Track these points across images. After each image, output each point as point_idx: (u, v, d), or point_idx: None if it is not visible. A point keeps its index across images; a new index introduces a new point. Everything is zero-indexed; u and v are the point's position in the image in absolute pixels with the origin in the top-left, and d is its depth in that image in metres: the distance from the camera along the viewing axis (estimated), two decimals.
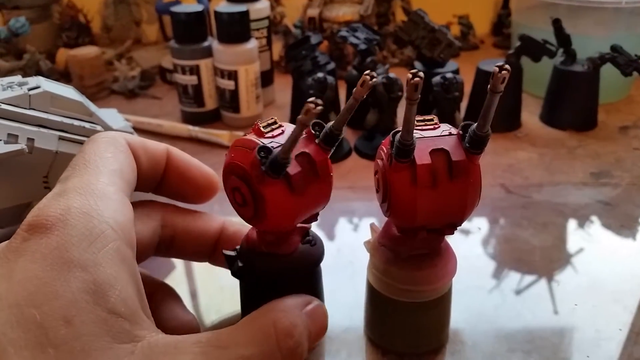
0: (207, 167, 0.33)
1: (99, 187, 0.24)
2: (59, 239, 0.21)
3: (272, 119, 0.27)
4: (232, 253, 0.30)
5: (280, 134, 0.27)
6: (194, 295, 0.39)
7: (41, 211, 0.22)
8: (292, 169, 0.26)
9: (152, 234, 0.31)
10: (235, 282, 0.31)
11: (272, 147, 0.26)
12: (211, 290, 0.40)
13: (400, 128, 0.26)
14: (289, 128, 0.27)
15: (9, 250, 0.22)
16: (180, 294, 0.34)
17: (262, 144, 0.26)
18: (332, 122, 0.27)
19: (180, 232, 0.32)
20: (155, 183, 0.31)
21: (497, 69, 0.23)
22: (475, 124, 0.26)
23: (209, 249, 0.34)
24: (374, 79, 0.24)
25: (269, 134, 0.27)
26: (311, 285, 0.31)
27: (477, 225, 0.46)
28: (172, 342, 0.22)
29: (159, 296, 0.33)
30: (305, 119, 0.23)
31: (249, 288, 0.32)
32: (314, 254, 0.30)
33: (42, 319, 0.19)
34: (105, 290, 0.21)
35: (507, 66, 0.23)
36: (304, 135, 0.27)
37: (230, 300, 0.38)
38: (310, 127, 0.27)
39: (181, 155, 0.32)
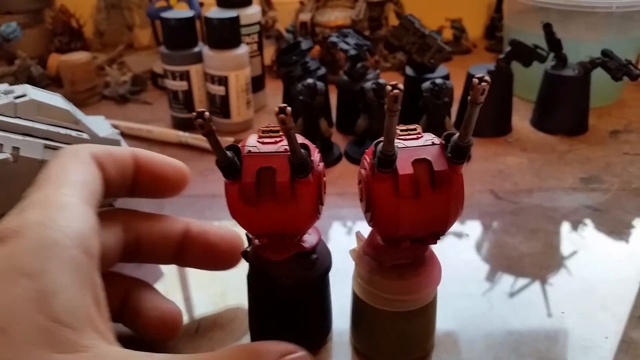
0: (175, 160, 0.33)
1: (57, 199, 0.24)
2: (11, 249, 0.21)
3: (278, 127, 0.28)
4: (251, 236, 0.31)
5: (269, 142, 0.28)
6: (187, 299, 0.39)
7: (1, 224, 0.23)
8: (245, 177, 0.26)
9: (116, 240, 0.31)
10: (228, 283, 0.32)
11: (247, 150, 0.27)
12: (203, 283, 0.40)
13: (382, 138, 0.26)
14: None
15: None
16: (172, 287, 0.34)
17: (243, 145, 0.27)
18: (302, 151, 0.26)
19: (144, 236, 0.33)
20: (127, 187, 0.32)
21: (476, 80, 0.23)
22: (457, 134, 0.26)
23: (174, 250, 0.34)
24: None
25: (261, 139, 0.28)
26: (298, 301, 0.32)
27: (465, 232, 0.46)
28: (123, 355, 0.21)
29: (135, 292, 0.33)
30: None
31: (249, 289, 0.33)
32: (293, 273, 0.31)
33: None
34: (49, 298, 0.20)
35: (486, 78, 0.23)
36: (287, 154, 0.26)
37: (222, 293, 0.38)
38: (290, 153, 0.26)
39: (148, 155, 0.32)
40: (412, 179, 0.26)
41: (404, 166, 0.27)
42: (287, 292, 0.31)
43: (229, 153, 0.26)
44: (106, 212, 0.32)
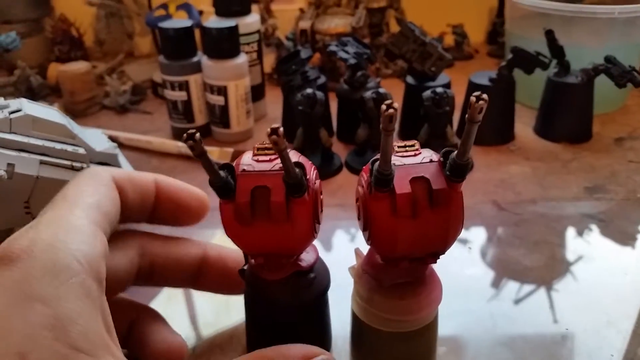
0: (196, 189, 0.33)
1: (70, 220, 0.24)
2: (23, 272, 0.21)
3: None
4: None
5: (265, 161, 0.27)
6: (190, 307, 0.39)
7: (9, 243, 0.22)
8: (240, 196, 0.26)
9: (130, 263, 0.31)
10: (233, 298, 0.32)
11: (242, 170, 0.26)
12: (209, 306, 0.39)
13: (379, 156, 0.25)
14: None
15: None
16: (176, 296, 0.33)
17: (237, 164, 0.27)
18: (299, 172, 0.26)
19: (160, 259, 0.32)
20: (147, 213, 0.31)
21: (474, 98, 0.22)
22: (456, 152, 0.25)
23: (191, 275, 0.33)
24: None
25: (256, 157, 0.27)
26: (298, 319, 0.31)
27: (467, 245, 0.45)
28: None
29: (143, 321, 0.32)
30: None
31: (246, 307, 0.32)
32: (292, 292, 0.30)
33: None
34: (66, 325, 0.20)
35: (484, 96, 0.22)
36: (282, 172, 0.26)
37: (226, 304, 0.38)
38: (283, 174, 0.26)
39: (170, 182, 0.32)
40: (409, 198, 0.26)
41: (401, 185, 0.26)
42: (285, 312, 0.31)
43: (222, 173, 0.26)
44: (121, 234, 0.32)
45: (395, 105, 0.22)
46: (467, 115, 0.23)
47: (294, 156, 0.27)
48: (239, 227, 0.26)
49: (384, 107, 0.22)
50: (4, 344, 0.19)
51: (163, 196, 0.31)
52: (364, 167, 0.28)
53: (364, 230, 0.29)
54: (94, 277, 0.23)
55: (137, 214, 0.30)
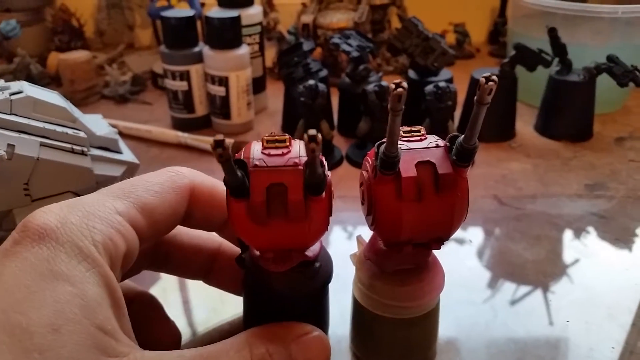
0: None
1: (105, 211, 0.24)
2: (50, 251, 0.21)
3: (284, 136, 0.25)
4: None
5: (277, 155, 0.25)
6: (185, 301, 0.38)
7: (39, 216, 0.22)
8: (255, 195, 0.24)
9: (146, 248, 0.30)
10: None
11: (253, 164, 0.24)
12: (204, 296, 0.39)
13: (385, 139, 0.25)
14: (294, 151, 0.25)
15: (0, 251, 0.22)
16: (172, 293, 0.33)
17: (248, 158, 0.24)
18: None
19: (175, 249, 0.32)
20: (214, 228, 0.31)
21: (483, 80, 0.22)
22: (463, 136, 0.25)
23: (204, 267, 0.33)
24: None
25: (267, 151, 0.25)
26: (300, 309, 0.30)
27: (468, 238, 0.45)
28: (157, 356, 0.22)
29: (140, 305, 0.32)
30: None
31: (245, 293, 0.31)
32: (297, 284, 0.28)
33: (28, 324, 0.19)
34: (93, 307, 0.21)
35: (494, 77, 0.22)
36: (297, 168, 0.24)
37: (220, 298, 0.37)
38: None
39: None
40: (415, 182, 0.26)
41: (407, 168, 0.26)
42: (289, 302, 0.29)
43: (239, 172, 0.24)
44: None
45: (404, 84, 0.22)
46: (475, 97, 0.23)
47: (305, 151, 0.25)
48: (252, 225, 0.25)
49: (392, 85, 0.21)
50: (38, 315, 0.19)
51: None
52: (368, 152, 0.28)
53: (367, 214, 0.28)
54: (111, 266, 0.23)
55: (201, 225, 0.30)
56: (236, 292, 0.34)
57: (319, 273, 0.29)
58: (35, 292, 0.20)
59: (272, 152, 0.25)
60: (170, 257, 0.32)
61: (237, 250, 0.32)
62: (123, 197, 0.25)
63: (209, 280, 0.34)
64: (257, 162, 0.24)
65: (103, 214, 0.24)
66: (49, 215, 0.22)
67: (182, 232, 0.32)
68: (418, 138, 0.27)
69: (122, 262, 0.24)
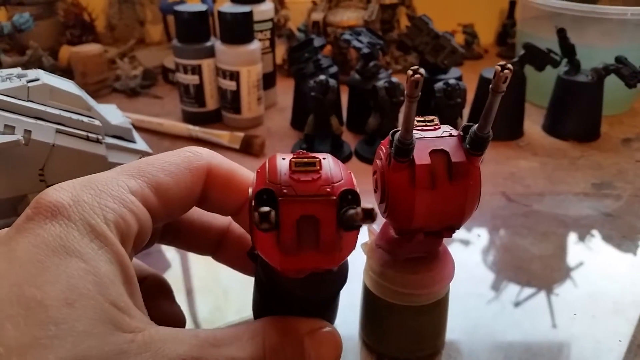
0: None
1: (118, 190, 0.24)
2: (63, 228, 0.21)
3: (315, 158, 0.23)
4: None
5: (306, 181, 0.22)
6: (190, 298, 0.39)
7: (52, 193, 0.22)
8: (285, 230, 0.22)
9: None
10: (233, 281, 0.31)
11: (282, 193, 0.22)
12: (207, 286, 0.39)
13: (400, 127, 0.25)
14: (324, 177, 0.23)
15: (13, 227, 0.22)
16: (176, 290, 0.33)
17: (275, 183, 0.22)
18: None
19: (186, 223, 0.32)
20: (230, 212, 0.29)
21: (499, 68, 0.22)
22: (476, 125, 0.25)
23: (214, 244, 0.33)
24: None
25: (296, 175, 0.22)
26: (313, 309, 0.30)
27: (476, 233, 0.46)
28: (172, 333, 0.22)
29: (147, 285, 0.32)
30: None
31: (256, 284, 0.31)
32: (317, 289, 0.27)
33: (42, 298, 0.19)
34: (106, 283, 0.21)
35: (509, 65, 0.22)
36: (330, 199, 0.22)
37: (225, 297, 0.38)
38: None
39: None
40: (429, 170, 0.26)
41: (421, 156, 0.26)
42: (303, 303, 0.28)
43: (267, 210, 0.21)
44: None
45: (422, 70, 0.22)
46: (490, 86, 0.23)
47: (337, 172, 0.23)
48: (281, 255, 0.23)
49: (410, 72, 0.22)
50: (52, 289, 0.20)
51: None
52: (382, 141, 0.28)
53: (380, 202, 0.29)
54: (124, 244, 0.23)
55: (216, 209, 0.29)
56: (243, 271, 0.33)
57: (337, 277, 0.27)
58: (48, 267, 0.20)
59: (302, 178, 0.22)
60: (180, 232, 0.31)
61: (244, 232, 0.32)
62: (137, 176, 0.25)
63: (217, 257, 0.33)
64: (286, 190, 0.22)
65: (116, 193, 0.23)
66: (61, 192, 0.22)
67: (194, 209, 0.32)
68: (432, 127, 0.28)
69: (135, 241, 0.24)
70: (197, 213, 0.32)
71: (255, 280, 0.31)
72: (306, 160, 0.23)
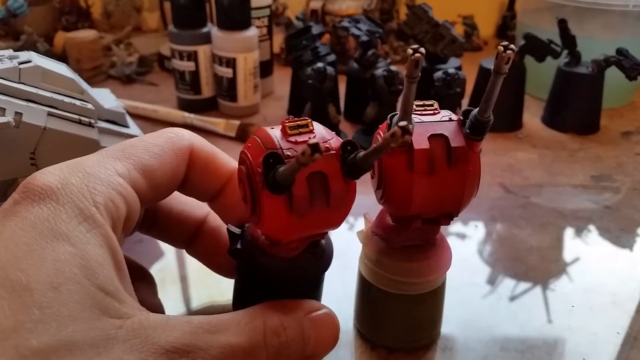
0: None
1: (105, 172, 0.23)
2: (50, 211, 0.21)
3: (305, 120, 0.24)
4: (237, 231, 0.27)
5: (304, 142, 0.23)
6: (183, 279, 0.38)
7: (36, 178, 0.22)
8: (298, 189, 0.22)
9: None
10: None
11: (286, 155, 0.22)
12: (201, 277, 0.39)
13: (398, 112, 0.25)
14: (320, 135, 0.23)
15: (0, 211, 0.21)
16: (170, 279, 0.32)
17: (276, 149, 0.22)
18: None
19: (163, 212, 0.31)
20: (208, 197, 0.29)
21: (501, 48, 0.22)
22: (477, 109, 0.25)
23: (189, 235, 0.32)
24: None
25: (293, 138, 0.23)
26: (304, 291, 0.29)
27: (474, 224, 0.45)
28: (163, 319, 0.22)
29: (131, 276, 0.31)
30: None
31: (241, 278, 0.30)
32: (309, 266, 0.27)
33: (27, 281, 0.19)
34: (93, 267, 0.20)
35: (512, 46, 0.22)
36: (330, 152, 0.23)
37: (218, 287, 0.37)
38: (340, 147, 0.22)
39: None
40: (427, 154, 0.25)
41: (419, 141, 0.26)
42: (294, 284, 0.27)
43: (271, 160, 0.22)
44: None
45: (422, 50, 0.21)
46: (493, 67, 0.23)
47: (328, 132, 0.24)
48: (292, 219, 0.23)
49: (410, 51, 0.21)
50: (37, 273, 0.19)
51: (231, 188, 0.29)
52: (380, 125, 0.28)
53: (377, 188, 0.28)
54: (113, 228, 0.23)
55: (198, 193, 0.29)
56: (217, 270, 0.33)
57: (326, 251, 0.27)
58: (34, 251, 0.20)
59: (299, 139, 0.23)
60: (156, 220, 0.31)
61: (223, 224, 0.31)
62: (123, 158, 0.24)
63: (192, 251, 0.33)
64: (289, 153, 0.23)
65: (104, 176, 0.23)
66: (49, 176, 0.22)
67: (172, 196, 0.30)
68: (431, 112, 0.27)
69: (124, 224, 0.24)
70: (175, 201, 0.31)
71: (238, 275, 0.30)
72: (299, 122, 0.24)
